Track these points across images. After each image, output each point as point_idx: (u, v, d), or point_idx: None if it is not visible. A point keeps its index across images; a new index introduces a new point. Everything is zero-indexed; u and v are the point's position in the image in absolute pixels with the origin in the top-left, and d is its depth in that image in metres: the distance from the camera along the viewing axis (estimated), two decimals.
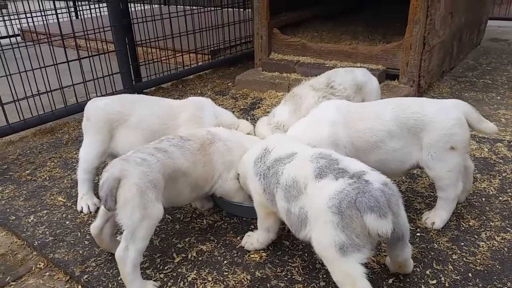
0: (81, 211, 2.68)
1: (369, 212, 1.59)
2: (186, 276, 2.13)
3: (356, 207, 1.62)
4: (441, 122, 2.21)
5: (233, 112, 4.16)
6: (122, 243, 1.95)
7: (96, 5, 5.83)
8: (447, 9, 4.44)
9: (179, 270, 2.17)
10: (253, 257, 2.23)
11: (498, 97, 4.34)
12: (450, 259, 2.16)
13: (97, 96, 3.48)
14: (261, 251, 2.26)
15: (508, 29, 7.53)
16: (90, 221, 2.52)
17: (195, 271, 2.15)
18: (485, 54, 5.97)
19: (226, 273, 2.13)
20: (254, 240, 2.28)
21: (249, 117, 4.04)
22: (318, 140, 2.21)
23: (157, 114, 2.76)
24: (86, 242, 2.40)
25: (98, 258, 2.27)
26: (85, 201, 2.70)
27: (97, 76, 4.33)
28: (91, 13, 5.35)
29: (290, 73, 4.77)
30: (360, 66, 4.19)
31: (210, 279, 2.10)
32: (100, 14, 5.09)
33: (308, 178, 1.81)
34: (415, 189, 2.77)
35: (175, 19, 5.14)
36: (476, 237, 2.31)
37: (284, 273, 2.12)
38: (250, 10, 6.39)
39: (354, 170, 1.75)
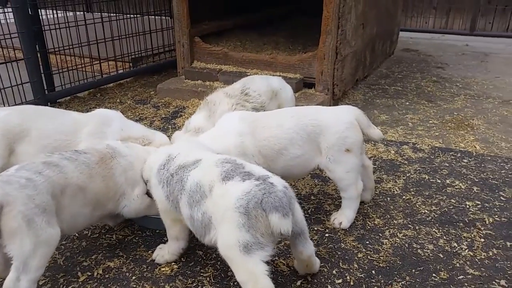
0: None
1: (274, 211, 1.67)
2: None
3: (262, 207, 1.69)
4: (335, 126, 2.35)
5: (153, 121, 4.09)
6: (13, 274, 1.75)
7: (5, 10, 5.41)
8: (358, 20, 4.71)
9: None
10: (163, 271, 2.17)
11: (407, 103, 4.67)
12: (356, 258, 2.26)
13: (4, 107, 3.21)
14: (173, 263, 2.21)
15: (418, 40, 8.18)
16: None
17: None
18: (398, 63, 6.42)
19: None
20: (165, 252, 2.22)
21: (170, 126, 3.97)
22: (226, 151, 2.23)
23: (59, 129, 2.59)
24: None
25: None
26: None
27: (3, 86, 4.02)
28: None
29: (213, 81, 4.77)
30: (280, 75, 4.30)
31: None
32: (6, 20, 4.72)
33: (214, 181, 1.84)
34: (326, 192, 2.88)
35: (94, 26, 4.91)
36: (381, 235, 2.45)
37: (195, 284, 2.08)
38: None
39: (259, 173, 1.83)
